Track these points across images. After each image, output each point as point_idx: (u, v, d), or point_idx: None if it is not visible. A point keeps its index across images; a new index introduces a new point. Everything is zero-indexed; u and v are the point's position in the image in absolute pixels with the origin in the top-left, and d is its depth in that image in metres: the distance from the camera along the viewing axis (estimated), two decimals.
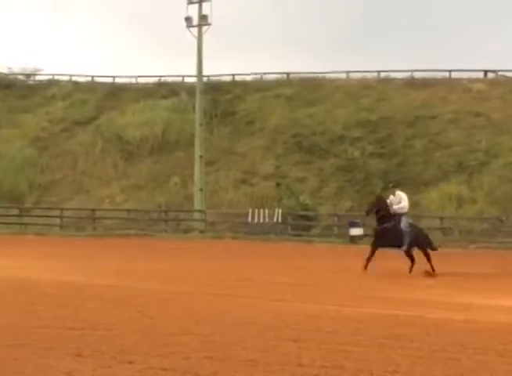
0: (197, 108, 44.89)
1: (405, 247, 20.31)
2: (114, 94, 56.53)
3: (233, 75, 55.12)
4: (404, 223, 20.34)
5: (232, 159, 47.73)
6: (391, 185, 21.92)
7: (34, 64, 64.01)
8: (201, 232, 40.93)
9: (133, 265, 23.19)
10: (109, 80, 58.77)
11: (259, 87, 53.35)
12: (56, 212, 44.69)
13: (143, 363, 9.06)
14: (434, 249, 21.10)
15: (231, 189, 45.07)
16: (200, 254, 29.30)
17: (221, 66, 62.80)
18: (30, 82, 62.64)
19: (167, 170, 47.77)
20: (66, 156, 51.52)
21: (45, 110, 56.24)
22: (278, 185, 43.84)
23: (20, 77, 63.07)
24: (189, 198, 44.11)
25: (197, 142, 44.16)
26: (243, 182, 45.80)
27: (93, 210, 44.31)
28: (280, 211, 39.44)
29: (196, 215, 42.85)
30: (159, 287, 17.34)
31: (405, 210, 20.57)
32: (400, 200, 20.46)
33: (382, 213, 20.44)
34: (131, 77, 58.13)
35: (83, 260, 25.21)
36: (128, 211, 44.51)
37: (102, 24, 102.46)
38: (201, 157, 43.61)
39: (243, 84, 54.20)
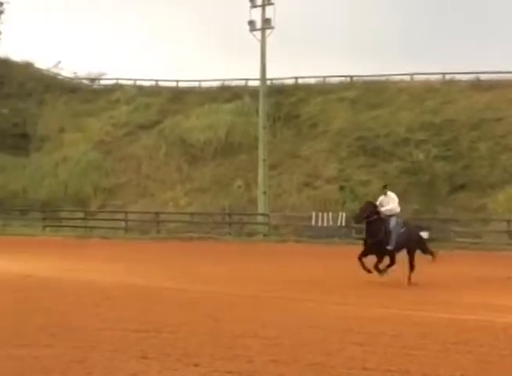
0: (261, 111, 44.89)
1: (390, 247, 18.97)
2: (178, 98, 56.89)
3: (296, 78, 55.04)
4: (393, 223, 19.19)
5: (295, 162, 47.61)
6: (382, 185, 20.99)
7: (99, 69, 64.80)
8: (265, 235, 40.89)
9: (197, 268, 23.26)
10: (173, 84, 59.18)
11: (322, 90, 53.15)
12: (121, 215, 45.11)
13: (208, 366, 9.04)
14: (432, 254, 19.63)
15: (294, 193, 44.95)
16: (264, 258, 29.25)
17: (284, 69, 62.78)
18: (95, 86, 63.46)
19: (231, 173, 47.87)
20: (130, 159, 52.02)
21: (109, 114, 56.89)
22: (341, 188, 43.60)
23: (85, 81, 63.96)
24: (253, 201, 44.10)
25: (261, 145, 44.15)
26: (307, 185, 45.64)
27: (157, 213, 44.60)
28: (344, 214, 39.18)
29: (260, 219, 42.83)
30: (224, 290, 17.33)
31: (395, 211, 19.47)
32: (389, 202, 19.45)
33: (371, 219, 19.11)
34: (195, 81, 58.52)
35: (147, 263, 25.37)
36: (192, 214, 44.70)
37: (165, 29, 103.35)
38: (264, 160, 43.59)
39: (307, 87, 54.07)
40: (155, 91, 58.90)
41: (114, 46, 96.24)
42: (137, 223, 45.02)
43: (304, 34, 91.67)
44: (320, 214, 39.61)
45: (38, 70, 63.75)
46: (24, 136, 55.88)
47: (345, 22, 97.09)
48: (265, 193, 42.88)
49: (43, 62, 64.24)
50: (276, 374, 8.76)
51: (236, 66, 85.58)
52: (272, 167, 45.28)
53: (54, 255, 28.62)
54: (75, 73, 64.01)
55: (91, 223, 45.98)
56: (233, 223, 43.87)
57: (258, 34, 44.00)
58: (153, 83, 60.24)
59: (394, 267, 19.33)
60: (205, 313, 13.44)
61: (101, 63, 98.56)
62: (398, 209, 19.63)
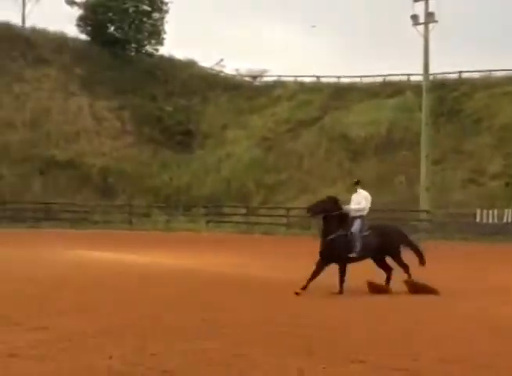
0: (424, 107, 44.04)
1: (353, 254, 16.32)
2: (339, 94, 56.67)
3: (460, 72, 53.67)
4: (357, 227, 16.47)
5: (458, 158, 46.48)
6: (354, 181, 17.86)
7: (261, 66, 65.49)
8: (428, 232, 40.08)
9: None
10: (334, 80, 59.02)
11: (487, 84, 51.59)
12: (282, 211, 45.38)
13: (374, 363, 8.86)
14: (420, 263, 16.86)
15: (458, 189, 43.89)
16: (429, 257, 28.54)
17: (447, 63, 61.34)
18: (257, 84, 64.18)
19: (393, 169, 47.24)
20: (292, 156, 52.25)
21: (271, 111, 57.37)
22: (507, 184, 42.20)
23: (247, 78, 64.81)
24: (415, 198, 43.34)
25: (423, 141, 43.32)
26: (471, 181, 44.46)
27: None
28: (511, 211, 37.88)
29: (422, 216, 42.04)
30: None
31: (364, 212, 16.79)
32: (360, 201, 16.84)
33: (330, 215, 16.39)
34: (357, 76, 58.12)
35: (307, 259, 25.31)
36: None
37: (326, 25, 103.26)
38: (427, 156, 42.75)
39: (470, 82, 52.64)
40: (316, 87, 58.90)
41: (276, 43, 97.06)
42: (298, 219, 45.15)
43: (467, 27, 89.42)
44: (485, 211, 38.49)
45: (201, 68, 65.09)
46: (188, 133, 57.19)
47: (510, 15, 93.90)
48: (427, 189, 42.05)
49: (206, 60, 65.55)
50: (443, 373, 8.49)
51: (397, 61, 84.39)
52: (435, 163, 44.36)
53: (219, 251, 29.05)
54: (237, 70, 65.07)
55: (253, 219, 46.51)
56: (395, 220, 43.22)
57: (421, 28, 43.20)
58: (315, 79, 60.28)
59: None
60: (369, 309, 13.28)
61: (262, 60, 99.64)
62: (367, 210, 16.90)
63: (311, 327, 11.46)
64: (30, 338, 9.92)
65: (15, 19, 63.17)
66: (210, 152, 54.78)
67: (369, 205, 16.86)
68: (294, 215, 44.80)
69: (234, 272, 20.01)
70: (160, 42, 64.06)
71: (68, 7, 63.21)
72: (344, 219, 16.53)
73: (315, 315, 12.81)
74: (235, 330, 11.04)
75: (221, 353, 9.29)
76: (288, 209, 45.17)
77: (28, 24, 63.92)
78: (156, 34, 63.76)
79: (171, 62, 64.65)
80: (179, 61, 64.87)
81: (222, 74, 65.24)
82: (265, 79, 64.25)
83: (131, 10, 62.31)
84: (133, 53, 63.60)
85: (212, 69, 65.26)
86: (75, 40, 63.02)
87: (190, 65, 64.86)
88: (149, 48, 63.98)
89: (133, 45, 63.51)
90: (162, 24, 64.05)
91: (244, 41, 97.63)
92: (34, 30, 62.39)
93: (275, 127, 55.68)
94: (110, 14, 61.83)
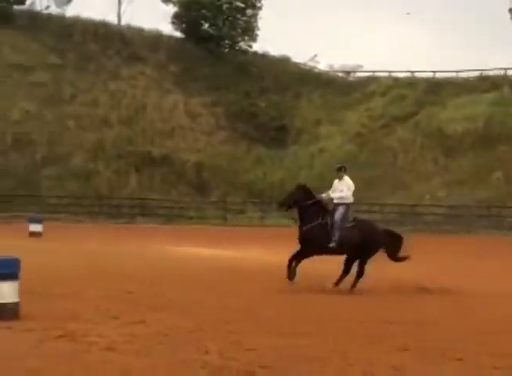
0: None
1: (332, 244, 15.22)
2: (435, 89, 55.81)
3: None
4: (339, 215, 15.40)
5: None
6: (337, 166, 16.43)
7: (354, 61, 65.18)
8: None
9: (460, 263, 22.63)
10: (430, 75, 58.16)
11: None
12: (376, 208, 44.94)
13: (472, 361, 8.64)
14: (397, 260, 16.06)
15: None
16: None
17: None
18: (350, 79, 63.77)
19: (490, 165, 46.28)
20: (386, 152, 51.72)
21: (364, 106, 56.90)
22: None
23: (341, 74, 64.46)
24: None
25: None
26: None
27: (413, 205, 44.04)
28: None
29: None
30: (482, 286, 16.69)
31: (348, 200, 15.67)
32: (343, 189, 15.70)
33: (304, 205, 15.49)
34: (452, 71, 57.11)
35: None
36: (450, 207, 43.69)
37: (421, 19, 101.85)
38: None
39: None
40: (411, 82, 58.16)
41: (369, 39, 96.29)
42: (393, 215, 44.64)
43: None
44: None
45: (295, 64, 65.06)
46: (281, 129, 57.18)
47: None
48: None
49: (299, 56, 65.56)
50: None
51: (494, 56, 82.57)
52: None
53: None
54: (331, 66, 64.79)
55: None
56: (492, 216, 42.38)
57: None
58: (409, 74, 59.50)
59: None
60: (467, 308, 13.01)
61: (356, 55, 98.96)
62: (351, 199, 15.80)
63: (404, 322, 11.29)
64: (128, 332, 10.01)
65: (111, 18, 64.36)
66: (304, 148, 54.66)
67: (351, 194, 15.73)
68: (389, 212, 44.33)
69: (329, 267, 19.83)
70: (254, 38, 64.30)
71: (163, 5, 64.02)
72: (323, 208, 15.61)
73: (407, 310, 12.62)
74: (331, 326, 10.94)
75: (317, 349, 9.20)
76: (382, 205, 44.70)
77: (124, 22, 65.06)
78: (250, 31, 64.03)
79: (264, 58, 64.80)
80: (273, 57, 64.99)
81: (316, 70, 65.06)
82: (359, 74, 63.81)
83: (224, 7, 62.73)
84: (227, 50, 63.99)
85: (305, 65, 65.17)
86: (170, 37, 63.82)
87: (284, 61, 64.91)
88: (242, 45, 64.27)
89: (227, 42, 63.93)
90: (255, 20, 64.29)
91: (338, 36, 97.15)
92: (129, 28, 63.45)
93: (369, 122, 55.18)
94: (204, 11, 62.36)
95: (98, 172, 49.11)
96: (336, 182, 15.87)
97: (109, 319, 11.09)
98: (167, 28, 64.11)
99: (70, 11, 65.82)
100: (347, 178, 15.83)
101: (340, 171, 15.92)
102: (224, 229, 40.31)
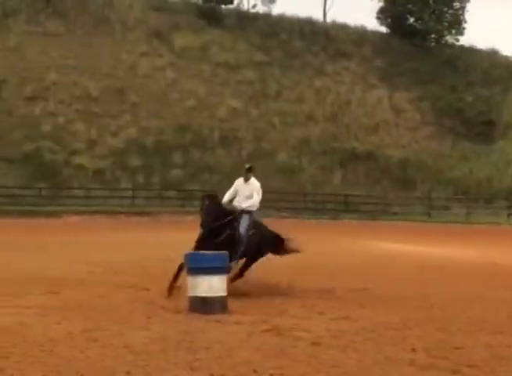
0: None
1: (234, 261, 12.94)
2: None
3: None
4: (245, 225, 13.33)
5: None
6: (247, 166, 13.84)
7: None
8: None
9: None
10: None
11: None
12: None
13: None
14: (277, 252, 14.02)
15: None
16: None
17: None
18: None
19: None
20: None
21: None
22: None
23: None
24: None
25: None
26: None
27: None
28: None
29: None
30: None
31: (255, 207, 13.59)
32: (252, 193, 13.52)
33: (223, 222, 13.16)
34: None
35: None
36: None
37: None
38: None
39: None
40: None
41: None
42: None
43: None
44: None
45: (504, 57, 63.12)
46: (488, 124, 55.65)
47: None
48: None
49: (509, 49, 63.60)
50: None
51: None
52: None
53: None
54: None
55: None
56: None
57: None
58: None
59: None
60: None
61: None
62: (257, 205, 13.71)
63: None
64: (334, 327, 10.08)
65: (316, 15, 65.04)
66: None
67: (260, 199, 13.70)
68: None
69: None
70: (461, 32, 62.96)
71: (368, 0, 64.04)
72: (234, 218, 13.40)
73: None
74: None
75: None
76: None
77: (329, 19, 65.52)
78: (457, 24, 62.77)
79: (471, 51, 63.32)
80: (480, 50, 63.34)
81: None
82: None
83: (431, 0, 61.78)
84: (433, 44, 63.07)
85: None
86: (375, 33, 63.69)
87: (492, 54, 63.13)
88: (449, 39, 63.08)
89: (433, 36, 62.96)
90: (463, 13, 62.93)
91: None
92: (334, 24, 63.84)
93: None
94: (410, 5, 61.72)
95: (302, 168, 49.69)
96: (240, 184, 13.60)
97: (314, 314, 11.22)
98: (372, 23, 64.07)
99: (276, 9, 67.19)
100: (254, 181, 13.74)
101: (249, 172, 13.65)
102: (428, 226, 39.70)
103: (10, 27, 52.91)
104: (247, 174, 13.64)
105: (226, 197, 13.62)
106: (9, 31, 52.39)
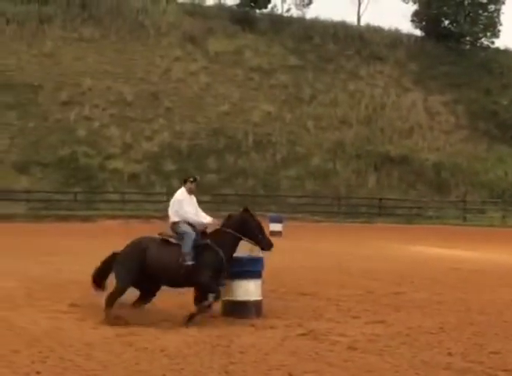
0: None
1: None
2: None
3: None
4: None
5: None
6: (192, 177, 11.97)
7: None
8: None
9: None
10: None
11: None
12: None
13: None
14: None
15: None
16: None
17: None
18: None
19: None
20: None
21: None
22: None
23: None
24: None
25: None
26: None
27: None
28: None
29: None
30: None
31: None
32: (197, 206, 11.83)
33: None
34: None
35: None
36: None
37: None
38: None
39: None
40: None
41: None
42: None
43: None
44: None
45: None
46: None
47: None
48: None
49: None
50: None
51: None
52: None
53: None
54: None
55: None
56: None
57: None
58: None
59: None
60: None
61: None
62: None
63: None
64: (369, 331, 10.06)
65: (350, 18, 65.01)
66: None
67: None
68: None
69: None
70: (496, 34, 62.54)
71: (402, 3, 63.84)
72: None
73: None
74: None
75: None
76: None
77: (363, 23, 65.38)
78: (492, 26, 62.35)
79: (506, 54, 62.96)
80: None
81: None
82: None
83: (466, 3, 61.45)
84: (468, 47, 62.72)
85: None
86: (409, 36, 63.47)
87: None
88: (484, 41, 62.70)
89: (467, 39, 62.59)
90: (498, 16, 62.49)
91: None
92: (368, 27, 63.70)
93: None
94: (445, 8, 61.43)
95: (336, 172, 49.56)
96: (184, 195, 11.76)
97: (350, 318, 11.19)
98: (407, 27, 63.94)
99: (310, 13, 67.16)
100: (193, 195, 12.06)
101: (194, 183, 11.95)
102: (463, 229, 39.40)
103: (46, 33, 53.44)
104: (191, 184, 11.89)
105: (192, 212, 11.66)
106: (45, 37, 52.93)
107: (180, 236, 11.37)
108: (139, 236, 11.71)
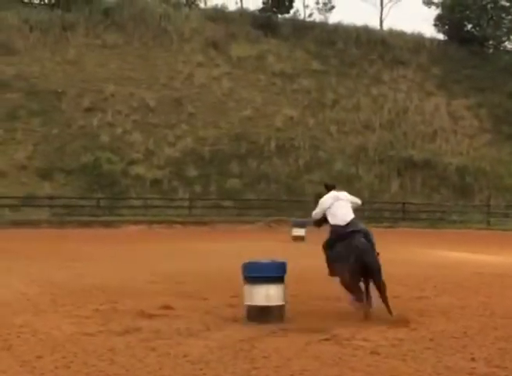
0: None
1: None
2: None
3: None
4: None
5: None
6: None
7: None
8: None
9: None
10: None
11: None
12: None
13: None
14: None
15: None
16: None
17: None
18: None
19: None
20: None
21: None
22: None
23: None
24: None
25: None
26: None
27: None
28: None
29: None
30: None
31: None
32: None
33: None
34: None
35: None
36: None
37: None
38: None
39: None
40: None
41: None
42: None
43: None
44: None
45: None
46: None
47: None
48: None
49: None
50: None
51: None
52: None
53: None
54: None
55: None
56: None
57: None
58: None
59: None
60: None
61: None
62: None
63: None
64: (392, 336, 10.00)
65: (373, 23, 64.95)
66: None
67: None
68: None
69: None
70: None
71: (425, 8, 63.75)
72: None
73: None
74: None
75: None
76: None
77: (385, 27, 65.31)
78: None
79: None
80: None
81: None
82: None
83: (489, 7, 61.25)
84: (491, 50, 62.50)
85: None
86: (432, 40, 63.33)
87: None
88: (507, 45, 62.55)
89: (491, 42, 62.36)
90: None
91: None
92: (391, 32, 63.64)
93: None
94: (468, 12, 61.24)
95: (359, 177, 49.48)
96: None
97: (373, 322, 11.13)
98: (429, 31, 63.86)
99: (333, 18, 67.26)
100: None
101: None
102: (487, 234, 39.21)
103: (69, 40, 53.80)
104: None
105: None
106: (68, 44, 53.29)
107: None
108: None
